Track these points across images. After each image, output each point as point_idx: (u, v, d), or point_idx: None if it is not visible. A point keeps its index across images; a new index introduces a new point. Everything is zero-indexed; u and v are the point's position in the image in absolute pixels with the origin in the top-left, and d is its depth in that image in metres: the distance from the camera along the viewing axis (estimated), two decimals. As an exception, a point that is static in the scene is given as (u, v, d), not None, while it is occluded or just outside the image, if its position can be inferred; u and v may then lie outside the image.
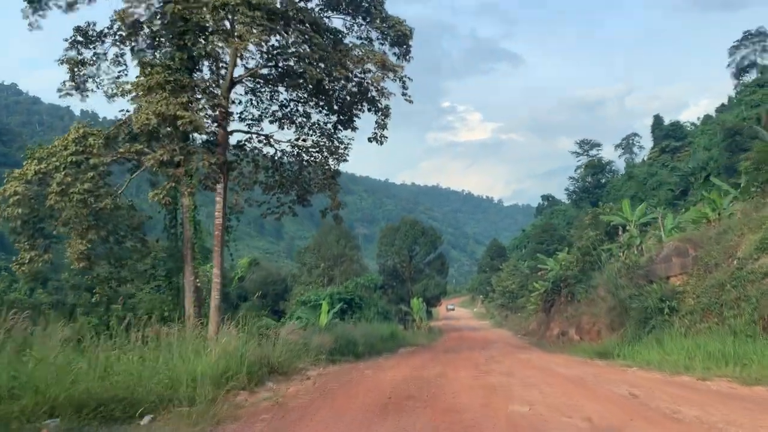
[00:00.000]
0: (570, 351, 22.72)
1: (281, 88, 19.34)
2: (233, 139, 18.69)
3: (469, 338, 38.50)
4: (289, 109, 19.73)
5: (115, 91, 15.60)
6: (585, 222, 29.15)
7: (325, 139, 18.89)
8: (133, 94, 14.60)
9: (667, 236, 25.41)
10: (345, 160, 18.86)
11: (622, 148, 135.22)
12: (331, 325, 28.83)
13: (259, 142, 19.18)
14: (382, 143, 17.77)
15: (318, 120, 19.54)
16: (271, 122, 19.08)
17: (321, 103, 19.32)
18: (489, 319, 68.64)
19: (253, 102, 19.42)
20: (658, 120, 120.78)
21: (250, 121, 19.08)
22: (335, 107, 19.11)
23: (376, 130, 17.79)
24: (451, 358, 18.91)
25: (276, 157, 19.55)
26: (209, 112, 15.17)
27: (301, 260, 47.39)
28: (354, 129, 18.96)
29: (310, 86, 18.77)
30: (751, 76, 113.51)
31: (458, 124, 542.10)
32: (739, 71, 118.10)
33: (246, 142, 18.80)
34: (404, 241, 47.27)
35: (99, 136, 15.04)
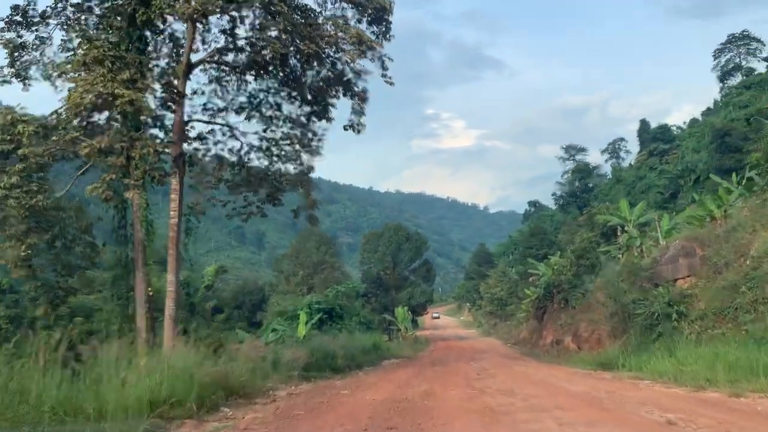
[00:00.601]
0: (568, 361, 20.94)
1: (249, 77, 17.46)
2: (194, 132, 16.76)
3: (457, 348, 36.62)
4: (258, 100, 17.82)
5: (51, 72, 13.60)
6: (579, 223, 27.51)
7: (297, 131, 16.98)
8: (71, 74, 12.64)
9: (665, 237, 23.84)
10: (319, 154, 17.01)
11: (609, 153, 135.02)
12: (309, 336, 26.96)
13: (223, 134, 17.24)
14: (359, 131, 15.97)
15: (290, 111, 17.65)
16: (237, 112, 17.13)
17: (293, 94, 17.42)
18: (476, 328, 66.80)
19: (218, 92, 17.50)
20: (644, 124, 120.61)
21: (213, 112, 17.13)
22: (308, 96, 17.23)
23: (353, 117, 15.98)
24: (439, 372, 17.02)
25: (242, 152, 17.62)
26: (159, 93, 13.20)
27: (279, 268, 45.18)
28: (330, 120, 17.09)
29: (281, 74, 16.97)
30: (736, 79, 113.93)
31: (442, 131, 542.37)
32: (724, 75, 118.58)
33: (208, 135, 16.83)
34: (388, 247, 45.31)
35: (30, 124, 13.00)
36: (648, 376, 13.46)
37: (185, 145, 16.31)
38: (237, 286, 48.55)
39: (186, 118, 15.25)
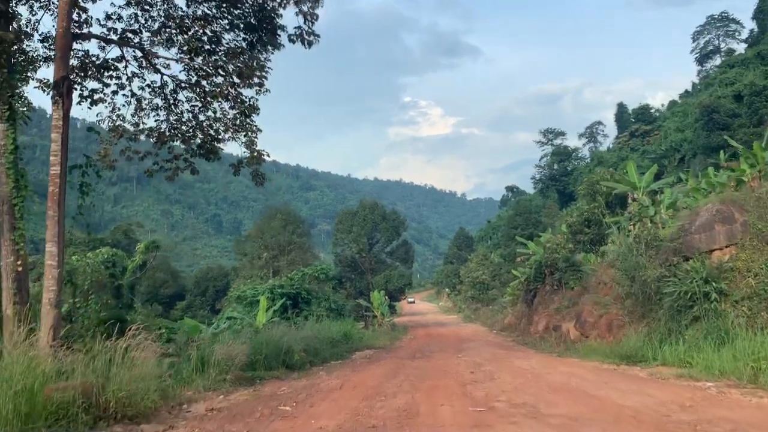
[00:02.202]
0: (574, 352, 17.44)
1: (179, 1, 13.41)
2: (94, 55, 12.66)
3: (439, 336, 33.07)
4: (192, 33, 13.73)
5: None
6: (579, 192, 23.99)
7: (235, 61, 12.95)
8: None
9: (666, 211, 20.45)
10: (266, 90, 13.02)
11: (586, 137, 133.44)
12: (269, 325, 23.21)
13: (140, 66, 13.17)
14: (310, 45, 12.06)
15: (231, 41, 13.60)
16: (156, 35, 13.04)
17: (235, 21, 13.38)
18: (457, 313, 63.53)
19: (139, 17, 13.36)
20: (622, 108, 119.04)
21: (124, 36, 13.00)
22: (253, 21, 13.21)
23: (302, 25, 12.02)
24: (422, 370, 13.32)
25: (167, 90, 13.58)
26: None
27: (242, 250, 40.98)
28: (279, 47, 13.10)
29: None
30: (714, 62, 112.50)
31: (420, 119, 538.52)
32: (703, 57, 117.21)
33: (116, 63, 12.74)
34: (363, 227, 41.35)
35: None
36: (704, 376, 9.94)
37: (93, 82, 12.32)
38: (200, 272, 44.31)
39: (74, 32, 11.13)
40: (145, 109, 13.82)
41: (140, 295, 43.55)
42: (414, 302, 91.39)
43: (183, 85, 13.41)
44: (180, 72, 13.24)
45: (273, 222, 38.29)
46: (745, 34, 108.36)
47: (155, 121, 13.97)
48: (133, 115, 13.79)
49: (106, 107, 13.28)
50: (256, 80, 12.75)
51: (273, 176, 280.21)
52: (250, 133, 13.18)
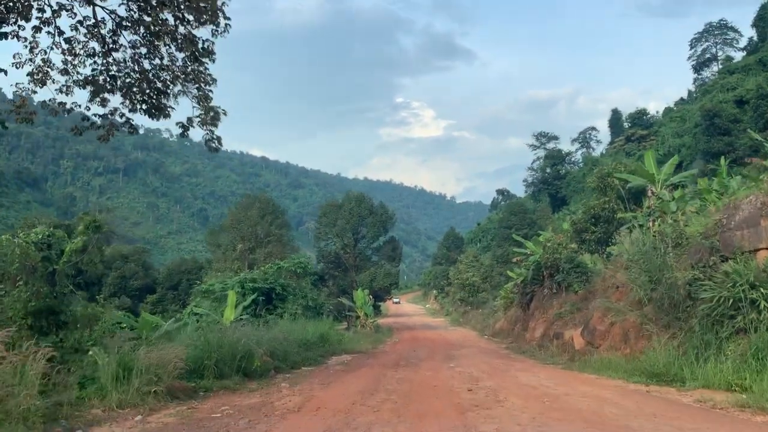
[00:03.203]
0: (585, 365, 15.00)
1: None
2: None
3: (426, 340, 30.60)
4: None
5: None
6: (588, 185, 21.50)
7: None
8: None
9: (689, 206, 18.13)
10: (224, 30, 10.44)
11: (579, 143, 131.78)
12: (238, 323, 20.67)
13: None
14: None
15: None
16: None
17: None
18: (444, 316, 61.10)
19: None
20: (616, 113, 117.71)
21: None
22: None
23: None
24: (408, 384, 10.80)
25: (104, 31, 10.96)
26: None
27: (215, 241, 38.13)
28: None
29: None
30: (711, 69, 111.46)
31: (412, 120, 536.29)
32: (700, 65, 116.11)
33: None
34: (348, 221, 38.68)
35: None
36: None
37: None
38: (173, 264, 41.47)
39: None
40: (79, 54, 11.19)
41: (107, 286, 40.76)
42: (399, 302, 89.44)
43: (124, 24, 10.79)
44: (120, 5, 10.62)
45: (250, 211, 35.57)
46: (743, 43, 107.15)
47: (92, 70, 11.34)
48: (63, 62, 11.16)
49: (25, 47, 10.64)
50: (207, 11, 10.15)
51: (262, 172, 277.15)
52: (203, 85, 10.59)
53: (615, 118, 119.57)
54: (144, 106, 10.93)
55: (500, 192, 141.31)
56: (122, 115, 10.69)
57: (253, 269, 29.22)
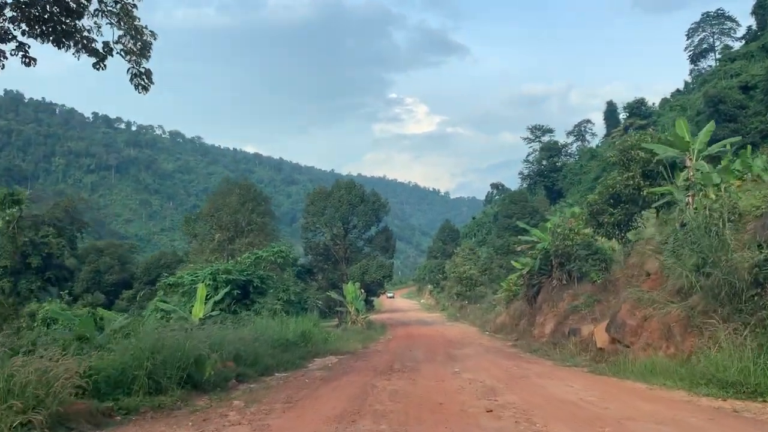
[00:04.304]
0: (619, 369, 12.33)
1: None
2: None
3: (423, 337, 27.89)
4: None
5: None
6: (609, 159, 18.69)
7: None
8: None
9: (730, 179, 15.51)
10: None
11: (574, 135, 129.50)
12: (209, 321, 18.03)
13: None
14: None
15: None
16: None
17: None
18: (440, 311, 58.45)
19: None
20: (611, 105, 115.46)
21: None
22: None
23: None
24: (403, 402, 8.08)
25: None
26: None
27: (192, 231, 35.14)
28: None
29: None
30: (708, 61, 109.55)
31: (405, 116, 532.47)
32: (697, 56, 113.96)
33: None
34: (338, 209, 35.77)
35: None
36: None
37: None
38: (152, 258, 38.53)
39: None
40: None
41: (80, 282, 37.82)
42: (393, 297, 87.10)
43: None
44: None
45: (229, 198, 32.62)
46: (740, 33, 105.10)
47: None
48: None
49: None
50: None
51: (255, 169, 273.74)
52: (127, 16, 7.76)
53: (610, 110, 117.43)
54: (47, 29, 8.10)
55: (495, 186, 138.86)
56: (12, 38, 7.83)
57: (234, 260, 26.35)
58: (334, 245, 36.88)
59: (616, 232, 20.10)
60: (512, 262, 28.56)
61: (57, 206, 38.92)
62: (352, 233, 37.65)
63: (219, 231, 31.01)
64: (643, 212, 18.56)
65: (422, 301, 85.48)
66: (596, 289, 19.79)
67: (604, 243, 21.51)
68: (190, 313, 19.36)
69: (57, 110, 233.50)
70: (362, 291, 32.35)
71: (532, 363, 15.08)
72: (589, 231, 21.50)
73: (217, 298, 19.74)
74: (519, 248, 28.38)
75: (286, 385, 10.58)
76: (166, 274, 23.72)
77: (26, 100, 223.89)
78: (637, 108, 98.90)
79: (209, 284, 20.06)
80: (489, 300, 42.84)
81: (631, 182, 17.77)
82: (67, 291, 33.28)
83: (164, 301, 19.64)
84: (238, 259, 22.97)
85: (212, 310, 19.39)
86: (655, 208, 17.71)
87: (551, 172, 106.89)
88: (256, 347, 13.58)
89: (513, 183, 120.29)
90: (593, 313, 18.89)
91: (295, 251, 33.91)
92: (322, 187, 39.43)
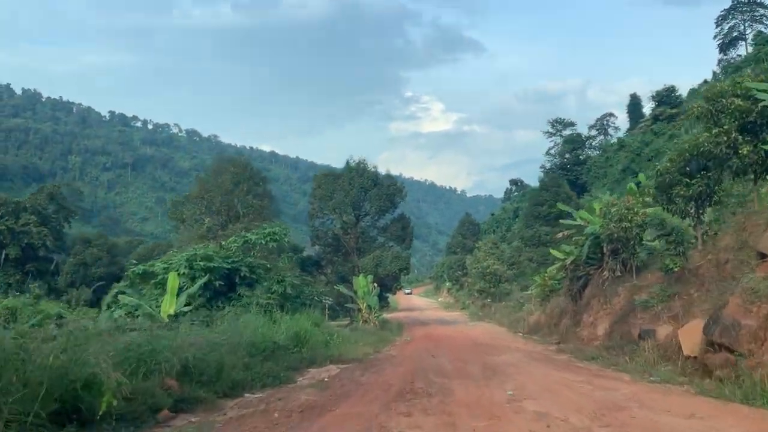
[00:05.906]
0: (739, 389, 8.18)
1: None
2: None
3: (446, 339, 23.87)
4: None
5: None
6: (692, 113, 14.55)
7: None
8: None
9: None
10: None
11: (597, 129, 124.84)
12: (182, 319, 14.28)
13: None
14: None
15: None
16: None
17: None
18: (461, 310, 54.31)
19: None
20: (634, 99, 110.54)
21: None
22: None
23: None
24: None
25: None
26: None
27: (179, 216, 31.18)
28: None
29: None
30: (737, 50, 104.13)
31: (421, 114, 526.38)
32: (726, 45, 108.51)
33: None
34: (348, 193, 31.73)
35: None
36: None
37: None
38: (144, 249, 34.86)
39: None
40: None
41: (65, 275, 34.22)
42: (411, 293, 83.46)
43: None
44: None
45: (221, 177, 28.72)
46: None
47: None
48: None
49: None
50: None
51: (271, 167, 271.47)
52: None
53: (633, 103, 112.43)
54: None
55: (514, 182, 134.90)
56: None
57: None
58: (344, 234, 32.89)
59: (692, 209, 15.80)
60: (551, 251, 24.32)
61: (40, 192, 35.36)
62: (364, 220, 33.63)
63: (209, 215, 27.20)
64: (737, 177, 14.31)
65: (440, 299, 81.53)
66: (671, 280, 15.57)
67: (676, 222, 17.32)
68: (159, 308, 15.59)
69: (74, 109, 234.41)
70: (375, 285, 28.37)
71: (602, 377, 10.96)
72: (652, 210, 17.29)
73: (193, 290, 15.89)
74: (560, 234, 24.20)
75: (247, 420, 6.60)
76: (134, 262, 19.85)
77: (43, 99, 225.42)
78: (667, 96, 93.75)
79: (184, 273, 16.21)
80: (516, 297, 38.84)
81: (725, 139, 13.52)
82: (48, 285, 29.69)
83: (123, 293, 15.88)
84: (223, 243, 19.06)
85: (186, 305, 15.57)
86: (753, 170, 13.50)
87: (575, 166, 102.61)
88: (221, 356, 9.66)
89: (531, 180, 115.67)
90: (669, 310, 14.69)
91: (297, 239, 29.96)
92: (331, 170, 35.30)
